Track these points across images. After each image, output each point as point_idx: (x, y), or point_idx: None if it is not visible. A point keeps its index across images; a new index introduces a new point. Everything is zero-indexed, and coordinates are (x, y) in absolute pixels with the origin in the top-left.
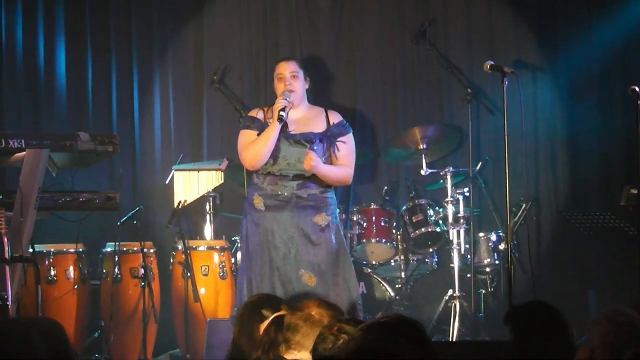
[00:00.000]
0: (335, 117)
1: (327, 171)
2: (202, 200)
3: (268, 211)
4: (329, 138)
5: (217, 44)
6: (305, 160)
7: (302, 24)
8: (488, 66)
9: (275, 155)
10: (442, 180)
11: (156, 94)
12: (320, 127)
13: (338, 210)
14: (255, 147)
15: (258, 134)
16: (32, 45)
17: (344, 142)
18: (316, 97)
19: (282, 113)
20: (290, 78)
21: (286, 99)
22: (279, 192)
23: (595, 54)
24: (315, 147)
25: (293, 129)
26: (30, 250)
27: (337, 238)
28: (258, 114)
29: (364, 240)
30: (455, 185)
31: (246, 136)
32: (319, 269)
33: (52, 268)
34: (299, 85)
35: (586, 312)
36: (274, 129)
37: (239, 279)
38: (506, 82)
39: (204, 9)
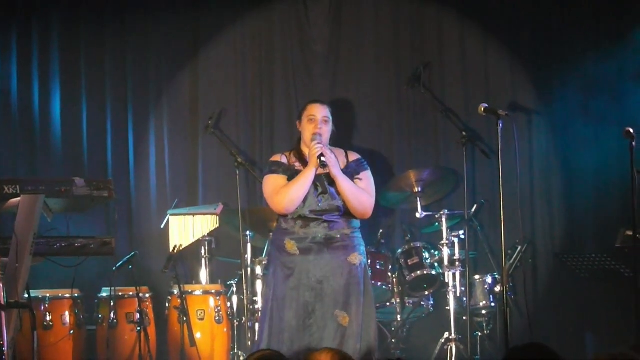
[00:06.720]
0: (354, 156)
1: (345, 179)
2: (197, 244)
3: (302, 254)
4: (348, 175)
5: (212, 89)
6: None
7: (298, 68)
8: (482, 109)
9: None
10: (437, 223)
11: (151, 139)
12: (341, 165)
13: None
14: (291, 191)
15: (288, 179)
16: (27, 90)
17: (360, 179)
18: None
19: (323, 159)
20: (322, 122)
21: (320, 144)
22: (312, 235)
23: (590, 96)
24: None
25: (319, 170)
26: (26, 295)
27: (365, 278)
28: (282, 158)
29: None
30: (451, 228)
31: (275, 181)
32: (351, 309)
33: (47, 313)
34: (328, 130)
35: (584, 354)
36: (311, 173)
37: (260, 323)
38: (501, 125)
39: (199, 55)
